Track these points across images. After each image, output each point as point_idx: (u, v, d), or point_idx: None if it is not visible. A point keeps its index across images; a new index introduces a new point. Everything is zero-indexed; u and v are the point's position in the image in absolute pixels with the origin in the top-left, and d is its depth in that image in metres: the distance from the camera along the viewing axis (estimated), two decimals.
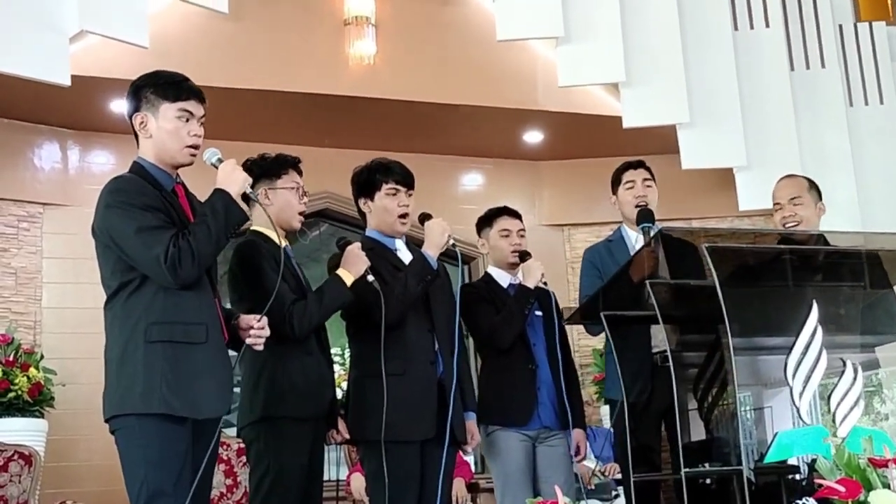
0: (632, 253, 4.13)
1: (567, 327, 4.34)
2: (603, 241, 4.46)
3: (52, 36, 5.06)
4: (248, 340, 3.10)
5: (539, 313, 4.28)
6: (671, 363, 3.29)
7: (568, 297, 4.46)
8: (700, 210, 7.65)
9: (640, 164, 4.39)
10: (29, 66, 5.01)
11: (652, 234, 4.05)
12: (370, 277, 3.62)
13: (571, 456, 4.21)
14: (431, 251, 3.77)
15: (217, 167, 3.08)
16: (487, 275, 4.43)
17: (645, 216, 4.15)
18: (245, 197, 3.22)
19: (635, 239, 4.23)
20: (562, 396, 4.15)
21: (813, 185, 4.26)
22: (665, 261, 3.42)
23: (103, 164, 6.91)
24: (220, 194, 2.99)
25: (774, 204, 4.26)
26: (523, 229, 4.41)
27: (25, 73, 5.00)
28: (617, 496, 5.86)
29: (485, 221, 4.44)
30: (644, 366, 3.88)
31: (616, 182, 4.38)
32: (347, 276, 3.58)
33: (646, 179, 4.33)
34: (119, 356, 2.88)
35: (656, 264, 3.47)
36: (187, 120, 3.04)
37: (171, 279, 2.86)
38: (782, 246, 3.47)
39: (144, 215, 2.89)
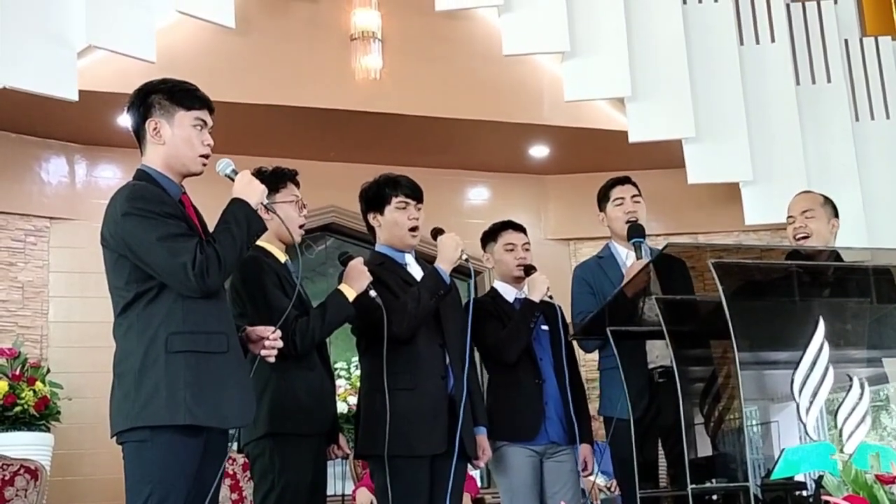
0: (623, 269, 4.15)
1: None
2: (593, 257, 4.46)
3: (60, 51, 5.08)
4: (262, 353, 3.09)
5: (545, 327, 4.27)
6: (677, 378, 3.29)
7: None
8: (706, 224, 7.66)
9: (626, 180, 4.39)
10: (36, 80, 5.02)
11: (643, 248, 4.07)
12: (372, 293, 3.62)
13: (579, 471, 4.20)
14: (444, 266, 3.76)
15: (232, 179, 3.07)
16: (493, 289, 4.42)
17: (636, 231, 4.15)
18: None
19: (626, 255, 4.24)
20: (569, 411, 4.14)
21: (828, 202, 4.28)
22: (656, 277, 3.42)
23: (110, 178, 6.93)
24: (239, 204, 2.98)
25: (788, 217, 4.29)
26: (528, 243, 4.40)
27: (33, 88, 5.01)
28: None
29: (489, 236, 4.43)
30: (642, 381, 3.88)
31: (604, 199, 4.38)
32: (349, 292, 3.58)
33: (634, 195, 4.33)
34: (137, 367, 2.81)
35: (649, 280, 3.47)
36: (201, 129, 3.03)
37: (198, 287, 2.82)
38: (788, 262, 3.47)
39: (167, 223, 2.85)
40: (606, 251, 4.37)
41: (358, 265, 3.63)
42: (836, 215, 4.28)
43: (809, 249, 3.88)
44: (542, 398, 4.16)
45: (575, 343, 4.34)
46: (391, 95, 6.80)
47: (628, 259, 4.18)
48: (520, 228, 4.43)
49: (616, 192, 4.34)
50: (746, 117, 6.46)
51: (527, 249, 4.37)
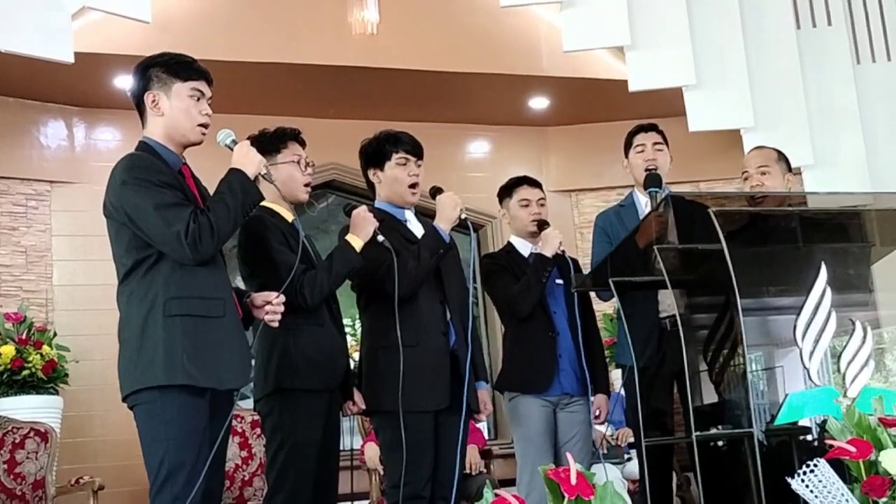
0: (641, 217, 4.12)
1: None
2: (614, 206, 4.46)
3: (55, 13, 5.05)
4: (266, 317, 3.16)
5: (560, 281, 4.30)
6: (680, 326, 3.29)
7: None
8: (708, 172, 7.61)
9: (651, 128, 4.36)
10: (32, 44, 5.00)
11: (659, 198, 4.04)
12: (380, 238, 3.63)
13: (591, 421, 4.23)
14: (443, 225, 3.77)
15: (231, 148, 3.13)
16: (509, 244, 4.47)
17: (652, 181, 4.14)
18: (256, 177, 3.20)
19: (645, 204, 4.22)
20: (583, 363, 4.17)
21: (782, 157, 4.22)
22: (675, 224, 3.41)
23: (109, 140, 6.89)
24: (237, 174, 3.04)
25: (743, 172, 4.25)
26: (543, 198, 4.44)
27: (29, 52, 5.00)
28: (629, 459, 5.89)
29: (505, 191, 4.46)
30: (653, 330, 3.90)
31: (628, 146, 4.36)
32: (356, 241, 3.59)
33: (656, 143, 4.30)
34: (138, 332, 2.91)
35: (665, 229, 3.46)
36: (198, 99, 3.10)
37: (191, 255, 2.90)
38: (790, 208, 3.47)
39: (162, 192, 2.93)
40: (628, 199, 4.37)
41: (362, 212, 3.64)
42: (790, 170, 4.24)
43: (800, 197, 3.85)
44: (556, 351, 4.21)
45: (592, 294, 4.34)
46: (389, 50, 6.75)
47: (647, 208, 4.16)
48: (535, 184, 4.45)
49: (638, 139, 4.33)
50: (747, 63, 6.40)
51: (542, 204, 4.40)
